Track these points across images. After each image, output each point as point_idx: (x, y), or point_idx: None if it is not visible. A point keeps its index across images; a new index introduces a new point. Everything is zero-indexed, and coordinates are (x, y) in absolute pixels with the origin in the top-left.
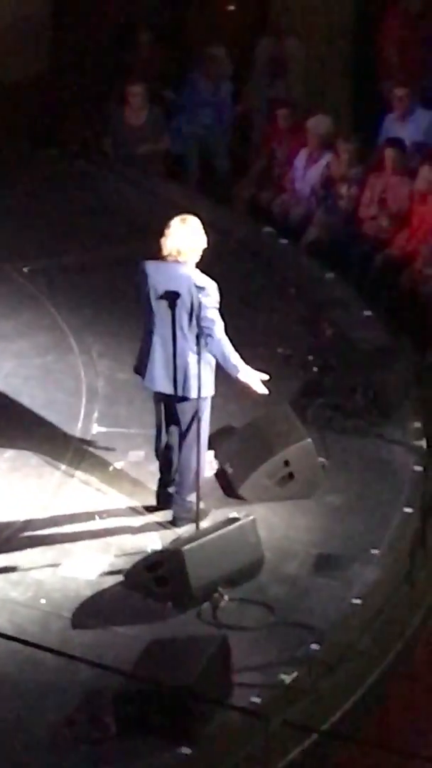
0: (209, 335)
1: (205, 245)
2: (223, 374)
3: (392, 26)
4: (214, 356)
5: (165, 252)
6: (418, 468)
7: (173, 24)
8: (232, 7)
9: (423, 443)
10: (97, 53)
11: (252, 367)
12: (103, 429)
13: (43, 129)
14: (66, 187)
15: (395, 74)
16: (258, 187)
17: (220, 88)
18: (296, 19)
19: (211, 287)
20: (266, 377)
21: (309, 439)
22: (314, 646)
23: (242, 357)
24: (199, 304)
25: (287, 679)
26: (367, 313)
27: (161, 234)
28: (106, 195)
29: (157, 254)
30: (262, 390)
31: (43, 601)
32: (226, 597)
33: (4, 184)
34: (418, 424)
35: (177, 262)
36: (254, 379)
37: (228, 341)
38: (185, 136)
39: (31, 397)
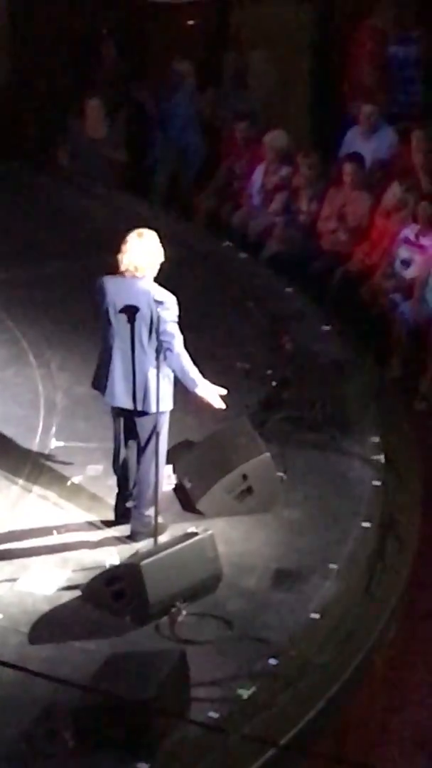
0: (168, 349)
1: (162, 259)
2: (182, 388)
3: (362, 42)
4: (173, 370)
5: (122, 267)
6: (377, 482)
7: (136, 37)
8: (191, 22)
9: (381, 458)
10: (57, 66)
11: (211, 381)
12: (61, 443)
13: (2, 141)
14: (24, 199)
15: (364, 91)
16: (218, 201)
17: (187, 101)
18: (257, 33)
19: (170, 301)
20: (224, 392)
21: (267, 454)
22: (272, 661)
23: (201, 371)
24: (158, 318)
25: (245, 693)
26: (327, 327)
27: (119, 249)
28: (65, 207)
29: (114, 269)
30: (220, 404)
31: (0, 616)
32: (184, 611)
33: None
34: (376, 439)
35: (135, 277)
36: (212, 394)
37: (187, 355)
38: (160, 149)
39: None
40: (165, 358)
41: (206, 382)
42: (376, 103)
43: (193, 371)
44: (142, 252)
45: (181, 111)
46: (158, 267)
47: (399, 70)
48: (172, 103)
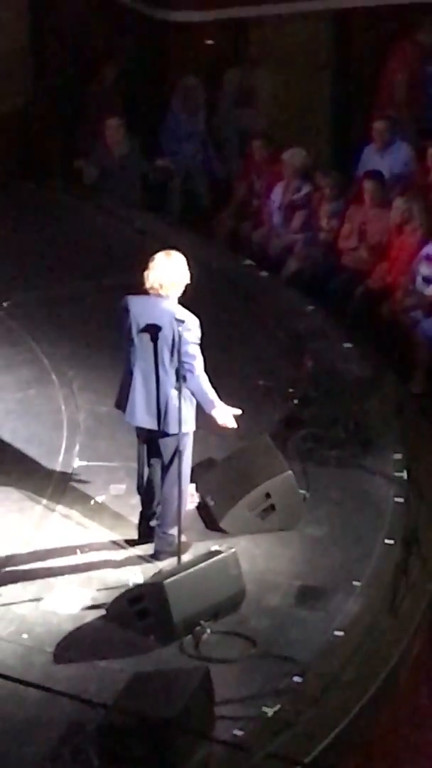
0: (189, 371)
1: (188, 281)
2: (201, 407)
3: (403, 59)
4: (192, 391)
5: (147, 285)
6: (399, 499)
7: (149, 56)
8: (210, 42)
9: (404, 474)
10: (76, 86)
11: (233, 398)
12: (84, 463)
13: (22, 161)
14: (44, 219)
15: (400, 107)
16: (238, 219)
17: (197, 119)
18: (275, 51)
19: (193, 322)
20: (239, 412)
21: (290, 471)
22: (297, 678)
23: (223, 389)
24: (180, 338)
25: (270, 711)
26: (348, 344)
27: (144, 267)
28: (85, 227)
29: (138, 287)
30: (233, 425)
31: (25, 636)
32: (208, 630)
33: None
34: (399, 456)
35: (159, 296)
36: (227, 415)
37: (206, 377)
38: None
39: (11, 431)
40: (185, 379)
41: (222, 404)
42: (405, 119)
43: (210, 393)
44: (168, 270)
45: (191, 128)
46: (183, 288)
47: None
48: (181, 120)
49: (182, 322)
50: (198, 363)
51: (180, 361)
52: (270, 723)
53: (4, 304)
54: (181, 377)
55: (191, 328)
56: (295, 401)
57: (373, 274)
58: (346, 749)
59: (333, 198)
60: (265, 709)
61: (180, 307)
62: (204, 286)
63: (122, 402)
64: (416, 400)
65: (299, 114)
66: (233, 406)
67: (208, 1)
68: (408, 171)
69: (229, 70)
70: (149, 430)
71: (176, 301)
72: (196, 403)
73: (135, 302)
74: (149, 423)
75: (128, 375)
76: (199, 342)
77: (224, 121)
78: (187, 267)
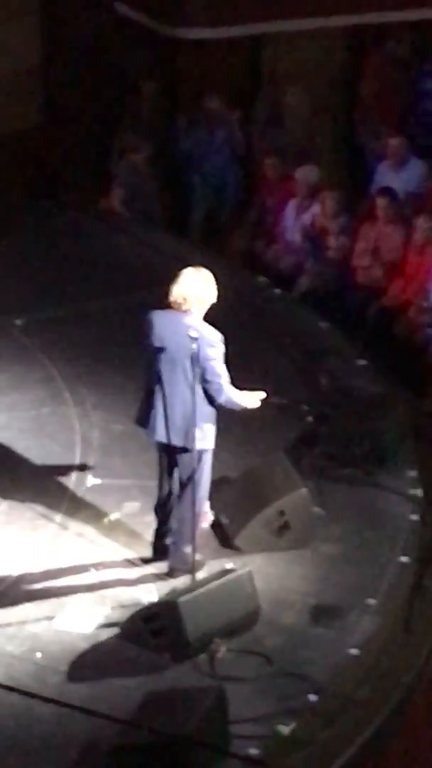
0: (218, 390)
1: (214, 299)
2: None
3: (375, 72)
4: (224, 406)
5: (171, 297)
6: (415, 517)
7: (169, 76)
8: (225, 58)
9: (419, 492)
10: (91, 106)
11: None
12: (97, 481)
13: (38, 181)
14: (58, 239)
15: (377, 122)
16: (251, 237)
17: (220, 139)
18: (289, 69)
19: (216, 339)
20: (263, 394)
21: (304, 489)
22: (312, 697)
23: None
24: (202, 354)
25: (285, 730)
26: (362, 361)
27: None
28: (99, 246)
29: (161, 302)
30: (257, 403)
31: (38, 654)
32: (223, 648)
33: None
34: (413, 473)
35: (182, 311)
36: (255, 401)
37: (233, 390)
38: (195, 188)
39: (25, 449)
40: (214, 400)
41: (246, 397)
42: (398, 135)
43: (240, 401)
44: (194, 285)
45: (216, 148)
46: (207, 306)
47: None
48: (207, 141)
49: (206, 339)
50: (224, 380)
51: (205, 380)
52: (285, 742)
53: (18, 323)
54: (197, 393)
55: (214, 345)
56: (310, 419)
57: (387, 291)
58: None
59: (338, 215)
60: (280, 727)
61: (203, 324)
62: (219, 304)
63: (143, 418)
64: (431, 417)
65: (312, 130)
66: (248, 424)
67: (221, 18)
68: (423, 188)
69: (262, 90)
70: (167, 446)
71: (200, 317)
72: (215, 421)
73: (158, 317)
74: (167, 438)
75: (149, 390)
76: (222, 358)
77: (259, 142)
78: (214, 286)
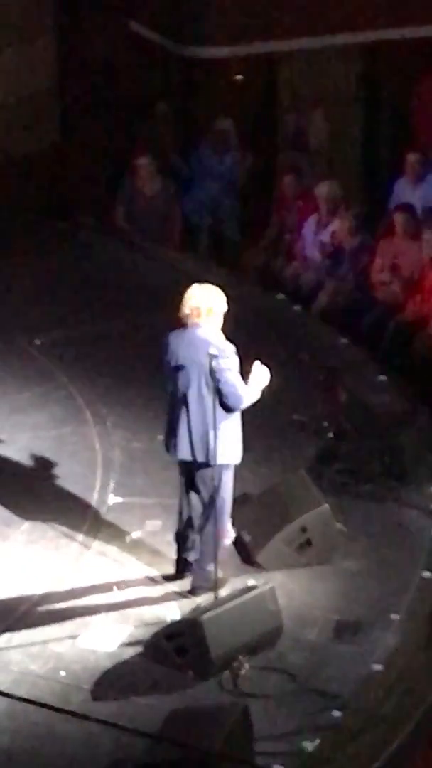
0: (235, 402)
1: (224, 309)
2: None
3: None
4: (244, 409)
5: (185, 311)
6: None
7: (183, 97)
8: (239, 77)
9: None
10: (106, 127)
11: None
12: (119, 499)
13: (54, 202)
14: (76, 259)
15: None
16: (270, 255)
17: (226, 160)
18: (308, 90)
19: (228, 350)
20: (267, 375)
21: (326, 505)
22: (336, 713)
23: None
24: (216, 366)
25: (310, 746)
26: (382, 377)
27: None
28: (117, 266)
29: (174, 322)
30: (267, 378)
31: (62, 673)
32: (246, 665)
33: (16, 256)
34: None
35: (196, 325)
36: (263, 381)
37: (247, 391)
38: (196, 207)
39: (46, 468)
40: (232, 409)
41: (257, 386)
42: None
43: (257, 394)
44: (204, 297)
45: (220, 169)
46: (220, 317)
47: None
48: (211, 162)
49: (220, 351)
50: (240, 390)
51: (221, 392)
52: (310, 758)
53: (37, 342)
54: (215, 406)
55: (228, 356)
56: (330, 435)
57: (406, 307)
58: None
59: (356, 233)
60: (304, 744)
61: (216, 336)
62: (237, 322)
63: (168, 440)
64: None
65: (331, 148)
66: (268, 441)
67: (236, 36)
68: None
69: (286, 115)
70: (189, 463)
71: (213, 330)
72: (239, 435)
73: (173, 336)
74: (188, 455)
75: (169, 408)
76: (236, 369)
77: (281, 162)
78: (223, 297)
